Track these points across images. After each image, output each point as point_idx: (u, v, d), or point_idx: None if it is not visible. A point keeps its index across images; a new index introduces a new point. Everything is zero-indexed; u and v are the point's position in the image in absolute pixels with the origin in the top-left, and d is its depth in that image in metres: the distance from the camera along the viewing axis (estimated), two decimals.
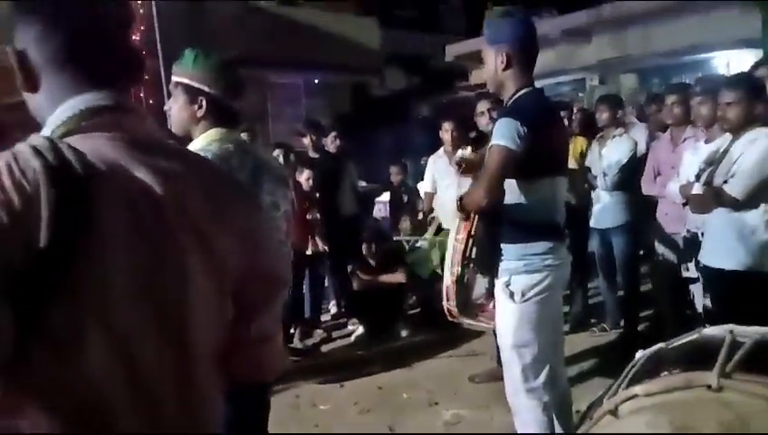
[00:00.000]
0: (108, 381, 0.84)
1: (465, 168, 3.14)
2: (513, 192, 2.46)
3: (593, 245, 4.86)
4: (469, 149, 5.22)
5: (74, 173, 0.82)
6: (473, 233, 2.73)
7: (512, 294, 2.50)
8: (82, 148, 0.87)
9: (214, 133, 2.23)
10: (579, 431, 1.42)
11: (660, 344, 1.45)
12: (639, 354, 1.45)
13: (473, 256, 2.73)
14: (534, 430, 2.55)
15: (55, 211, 0.79)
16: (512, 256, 2.51)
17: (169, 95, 2.39)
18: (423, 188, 5.45)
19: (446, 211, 4.97)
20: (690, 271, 3.65)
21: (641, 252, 4.98)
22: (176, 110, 2.28)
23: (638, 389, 1.24)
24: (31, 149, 0.83)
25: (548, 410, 2.54)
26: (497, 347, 3.92)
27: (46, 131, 0.93)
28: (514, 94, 2.53)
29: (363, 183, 7.12)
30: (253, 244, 1.06)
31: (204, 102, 2.23)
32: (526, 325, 2.50)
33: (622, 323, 4.80)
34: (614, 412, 1.25)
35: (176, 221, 0.93)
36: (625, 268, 4.69)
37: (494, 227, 2.56)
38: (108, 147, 0.90)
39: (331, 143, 6.14)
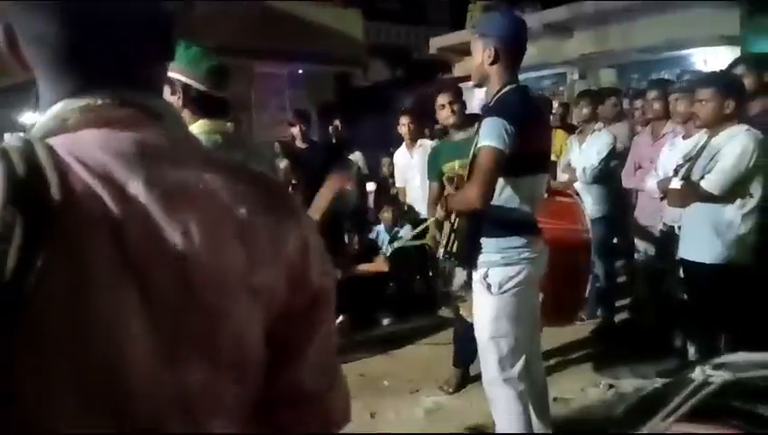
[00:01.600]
0: None
1: (458, 182, 3.01)
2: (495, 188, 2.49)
3: None
4: (427, 141, 5.40)
5: (43, 188, 0.63)
6: (455, 228, 2.78)
7: (489, 287, 2.54)
8: (68, 151, 0.68)
9: (200, 125, 2.22)
10: None
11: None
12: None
13: (454, 249, 2.78)
14: (510, 417, 2.61)
15: (14, 235, 0.59)
16: (490, 249, 2.55)
17: None
18: (396, 183, 5.72)
19: (415, 199, 5.37)
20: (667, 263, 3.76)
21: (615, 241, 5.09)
22: None
23: None
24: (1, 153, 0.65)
25: (524, 398, 2.60)
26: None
27: (34, 130, 0.74)
28: (499, 91, 2.53)
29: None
30: (302, 268, 0.81)
31: (181, 93, 2.22)
32: (503, 317, 2.55)
33: (599, 312, 4.90)
34: None
35: (180, 251, 0.70)
36: (602, 260, 4.77)
37: (474, 222, 2.59)
38: (101, 150, 0.70)
39: (334, 132, 6.26)
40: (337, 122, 6.35)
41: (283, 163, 5.44)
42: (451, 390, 3.94)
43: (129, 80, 0.77)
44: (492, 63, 2.52)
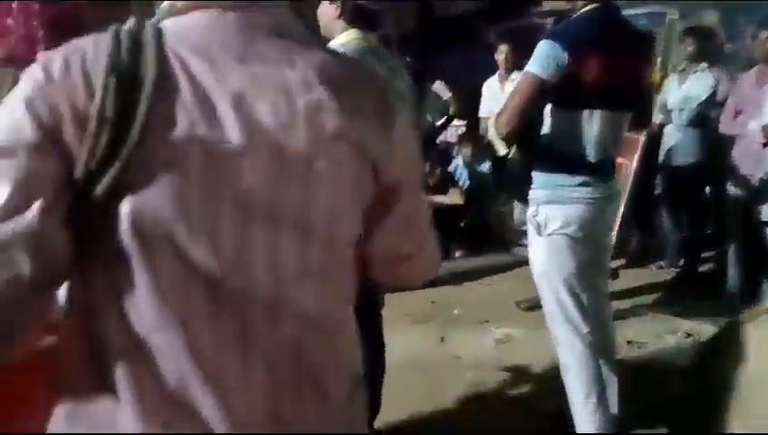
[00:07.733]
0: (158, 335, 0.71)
1: None
2: (546, 117, 2.27)
3: (660, 181, 4.76)
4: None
5: (141, 63, 0.71)
6: (509, 156, 2.59)
7: (538, 226, 2.33)
8: (173, 31, 0.75)
9: (352, 32, 2.37)
10: None
11: None
12: None
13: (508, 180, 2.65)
14: (573, 356, 2.39)
15: (113, 111, 0.68)
16: (540, 184, 2.34)
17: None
18: (480, 113, 5.49)
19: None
20: (764, 214, 3.58)
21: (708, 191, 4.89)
22: (320, 11, 2.43)
23: None
24: (113, 33, 0.73)
25: (584, 338, 2.36)
26: None
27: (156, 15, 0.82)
28: (578, 10, 2.28)
29: None
30: (398, 158, 0.86)
31: (340, 2, 2.37)
32: (554, 259, 2.32)
33: (681, 263, 4.75)
34: None
35: (269, 124, 0.74)
36: (693, 207, 4.60)
37: (526, 152, 2.40)
38: (203, 30, 0.76)
39: (411, 62, 6.16)
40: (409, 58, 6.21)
41: None
42: (522, 307, 4.00)
43: None
44: None
